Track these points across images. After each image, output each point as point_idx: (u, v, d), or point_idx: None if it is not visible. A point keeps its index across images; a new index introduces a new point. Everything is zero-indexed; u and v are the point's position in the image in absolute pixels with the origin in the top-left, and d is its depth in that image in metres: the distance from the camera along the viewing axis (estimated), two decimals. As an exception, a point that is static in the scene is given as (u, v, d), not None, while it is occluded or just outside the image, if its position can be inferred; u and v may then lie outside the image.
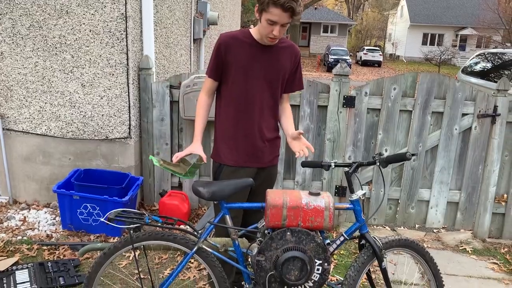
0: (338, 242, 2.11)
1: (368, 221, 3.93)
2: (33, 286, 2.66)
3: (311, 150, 2.24)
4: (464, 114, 3.69)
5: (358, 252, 2.18)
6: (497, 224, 3.85)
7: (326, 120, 3.72)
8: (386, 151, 3.76)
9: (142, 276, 2.88)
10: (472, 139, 3.72)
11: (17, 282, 2.70)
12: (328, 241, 2.07)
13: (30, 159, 3.81)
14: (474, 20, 31.53)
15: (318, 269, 1.98)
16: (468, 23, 33.67)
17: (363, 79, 21.41)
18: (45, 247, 3.18)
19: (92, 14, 3.50)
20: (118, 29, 3.53)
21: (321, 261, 1.98)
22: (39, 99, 3.68)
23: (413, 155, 2.08)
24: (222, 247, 2.10)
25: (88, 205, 3.35)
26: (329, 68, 25.46)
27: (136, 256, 2.04)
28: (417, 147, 3.74)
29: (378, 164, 2.10)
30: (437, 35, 35.70)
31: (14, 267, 2.86)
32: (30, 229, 3.46)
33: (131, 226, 1.94)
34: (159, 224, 2.00)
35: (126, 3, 3.48)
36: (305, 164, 2.25)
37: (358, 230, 2.16)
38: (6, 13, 3.53)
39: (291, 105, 2.55)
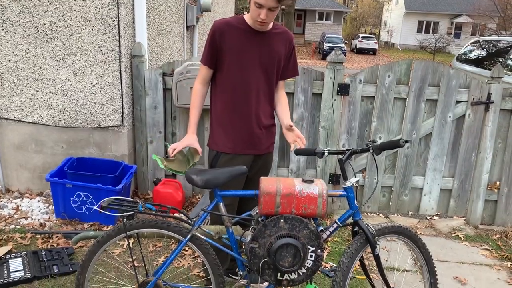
0: (331, 229, 2.12)
1: (362, 209, 3.95)
2: (27, 274, 2.66)
3: (302, 142, 2.25)
4: (458, 102, 3.69)
5: (351, 239, 2.19)
6: (490, 211, 3.88)
7: (320, 108, 3.71)
8: (380, 138, 3.77)
9: (136, 264, 2.88)
10: (465, 126, 3.73)
11: (11, 270, 2.70)
12: (321, 228, 2.07)
13: (22, 148, 3.78)
14: (469, 8, 31.47)
15: (311, 256, 1.99)
16: (463, 11, 33.61)
17: (358, 67, 21.37)
18: (38, 236, 3.17)
19: (83, 0, 3.45)
20: (110, 15, 3.48)
21: (314, 248, 1.98)
22: (31, 87, 3.64)
23: (406, 141, 2.08)
24: (216, 234, 2.11)
25: (81, 193, 3.33)
26: (324, 56, 25.38)
27: (130, 244, 2.04)
28: (411, 134, 3.75)
29: (371, 151, 2.10)
30: (432, 23, 35.63)
31: (7, 256, 2.85)
32: (23, 217, 3.44)
33: (125, 214, 1.94)
34: (153, 212, 1.99)
35: (117, -11, 3.43)
36: (298, 152, 2.25)
37: (351, 217, 2.17)
38: (-5, -1, 3.47)
39: (286, 93, 2.53)
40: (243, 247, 2.07)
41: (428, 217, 3.91)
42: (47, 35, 3.53)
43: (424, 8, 35.20)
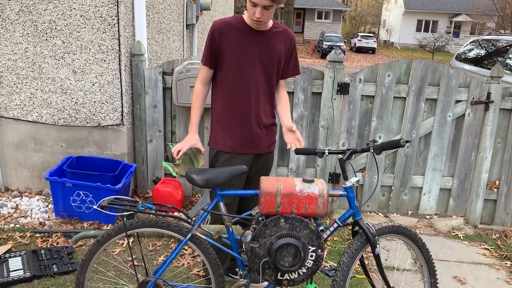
0: (331, 229, 2.12)
1: (361, 208, 3.95)
2: (27, 273, 2.66)
3: (301, 144, 2.26)
4: (457, 101, 3.69)
5: (351, 238, 2.19)
6: (489, 210, 3.89)
7: (320, 107, 3.70)
8: (380, 138, 3.77)
9: (136, 263, 2.88)
10: (465, 126, 3.73)
11: (11, 269, 2.69)
12: (321, 227, 2.07)
13: (21, 146, 3.77)
14: (468, 7, 31.49)
15: (311, 256, 1.99)
16: (462, 10, 33.61)
17: (357, 66, 21.37)
18: (38, 235, 3.17)
19: (83, -2, 3.44)
20: (109, 14, 3.47)
21: (314, 248, 1.98)
22: (30, 86, 3.63)
23: (407, 141, 2.08)
24: (216, 234, 2.10)
25: (81, 192, 3.33)
26: (323, 55, 25.38)
27: (130, 243, 2.04)
28: (411, 134, 3.75)
29: (372, 151, 2.10)
30: (431, 22, 35.63)
31: (7, 255, 2.85)
32: (23, 216, 3.44)
33: (124, 213, 1.94)
34: (153, 212, 1.99)
35: (117, -13, 3.42)
36: (298, 151, 2.24)
37: (351, 217, 2.17)
38: (-5, -3, 3.46)
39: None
40: (243, 246, 2.07)
41: (427, 217, 3.91)
42: (46, 33, 3.52)
43: (423, 7, 35.20)
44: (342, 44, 26.10)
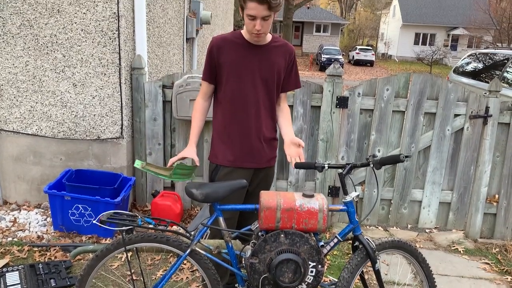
0: (331, 244, 2.11)
1: (361, 222, 3.93)
2: (24, 288, 2.63)
3: (301, 159, 2.24)
4: (456, 115, 3.70)
5: (351, 252, 2.19)
6: (489, 224, 3.88)
7: (319, 121, 3.72)
8: (379, 151, 3.77)
9: (134, 278, 2.86)
10: (464, 139, 3.74)
11: (8, 284, 2.67)
12: (322, 243, 2.06)
13: (20, 159, 3.76)
14: (465, 20, 31.79)
15: (312, 271, 1.98)
16: (459, 23, 33.94)
17: (355, 79, 21.48)
18: (36, 249, 3.14)
19: (84, 13, 3.47)
20: (110, 28, 3.50)
21: (315, 263, 1.97)
22: (30, 99, 3.64)
23: (407, 157, 2.09)
24: (215, 249, 2.09)
25: (79, 206, 3.32)
26: (322, 67, 25.51)
27: (129, 257, 2.03)
28: (410, 147, 3.75)
29: (372, 166, 2.10)
30: (429, 35, 35.95)
31: (4, 269, 2.82)
32: (21, 230, 3.42)
33: (124, 228, 1.93)
34: (152, 226, 1.98)
35: (118, 2, 3.45)
36: (298, 165, 2.24)
37: (351, 232, 2.16)
38: (-4, 11, 3.49)
39: (285, 106, 2.53)
40: (243, 262, 2.06)
41: (427, 230, 3.90)
42: (47, 47, 3.54)
43: (421, 20, 35.54)
44: (340, 57, 26.27)
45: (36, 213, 3.68)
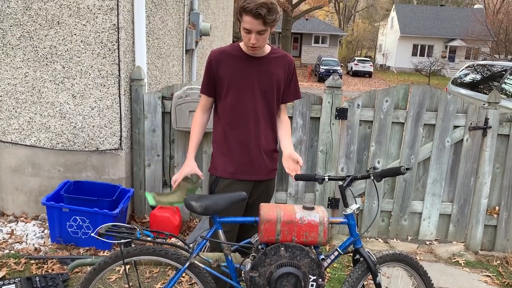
0: (332, 257, 2.09)
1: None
2: (20, 302, 2.60)
3: (297, 172, 2.24)
4: (455, 127, 3.70)
5: (351, 265, 2.16)
6: (489, 236, 3.85)
7: (318, 132, 3.71)
8: (378, 163, 3.76)
9: (132, 291, 2.82)
10: (463, 151, 3.74)
11: (4, 297, 2.64)
12: (322, 256, 2.04)
13: (18, 171, 3.74)
14: (463, 32, 32.02)
15: (312, 285, 1.95)
16: (457, 35, 34.18)
17: (354, 90, 21.55)
18: (33, 261, 3.11)
19: (84, 24, 3.48)
20: (110, 40, 3.50)
21: (315, 277, 1.95)
22: (29, 110, 3.64)
23: (407, 169, 2.07)
24: (214, 262, 2.07)
25: (77, 217, 3.29)
26: (320, 78, 25.61)
27: (127, 270, 2.00)
28: (410, 159, 3.75)
29: (372, 178, 2.09)
30: (426, 46, 36.18)
31: (0, 282, 2.79)
32: (18, 242, 3.38)
33: (122, 241, 1.91)
34: (150, 239, 1.96)
35: (118, 14, 3.46)
36: (298, 177, 2.23)
37: (352, 245, 2.14)
38: (-4, 23, 3.50)
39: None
40: (243, 275, 2.03)
41: (427, 242, 3.87)
42: (46, 58, 3.54)
43: (419, 32, 35.81)
44: (338, 68, 26.37)
45: (34, 225, 3.65)
